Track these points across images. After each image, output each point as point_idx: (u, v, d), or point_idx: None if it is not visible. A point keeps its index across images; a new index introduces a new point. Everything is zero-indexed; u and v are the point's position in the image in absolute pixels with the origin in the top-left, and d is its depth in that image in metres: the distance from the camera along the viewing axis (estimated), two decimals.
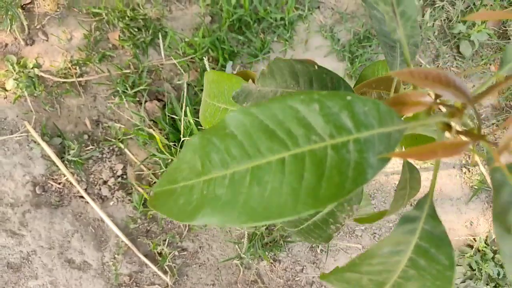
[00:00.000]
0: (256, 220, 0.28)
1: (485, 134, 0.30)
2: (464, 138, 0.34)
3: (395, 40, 0.39)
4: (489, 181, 1.30)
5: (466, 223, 1.29)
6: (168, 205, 0.30)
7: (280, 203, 0.27)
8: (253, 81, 0.48)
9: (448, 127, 0.35)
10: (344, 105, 0.29)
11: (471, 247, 1.27)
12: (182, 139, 1.17)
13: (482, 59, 1.38)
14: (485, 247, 1.27)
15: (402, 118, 0.39)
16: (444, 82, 0.29)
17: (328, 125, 0.28)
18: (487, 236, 1.29)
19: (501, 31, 1.42)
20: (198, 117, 1.16)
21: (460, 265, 1.24)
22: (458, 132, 0.32)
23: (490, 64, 1.39)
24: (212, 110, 0.51)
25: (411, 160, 0.49)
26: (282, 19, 1.41)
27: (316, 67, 0.46)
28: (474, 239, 1.27)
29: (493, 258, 1.25)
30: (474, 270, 1.23)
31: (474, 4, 1.40)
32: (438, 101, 0.34)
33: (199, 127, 1.21)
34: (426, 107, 0.32)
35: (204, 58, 1.29)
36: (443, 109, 0.36)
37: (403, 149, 0.65)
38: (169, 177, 0.30)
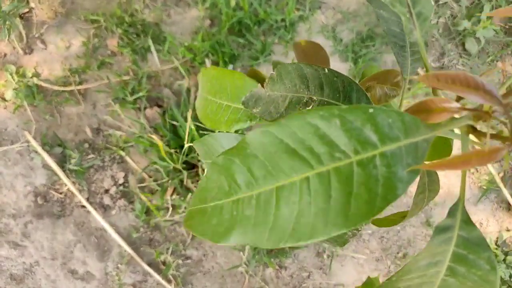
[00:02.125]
0: (287, 242, 0.27)
1: None
2: (494, 141, 0.31)
3: (408, 40, 0.37)
4: (498, 180, 1.27)
5: (476, 224, 1.26)
6: (202, 226, 0.30)
7: (309, 223, 0.27)
8: (262, 85, 0.46)
9: (473, 129, 0.33)
10: (367, 118, 0.27)
11: None
12: (187, 144, 1.15)
13: (489, 56, 1.35)
14: (496, 248, 1.24)
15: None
16: (472, 86, 0.27)
17: (352, 140, 0.27)
18: (497, 238, 1.26)
19: (507, 27, 1.38)
20: (199, 122, 1.14)
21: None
22: (490, 136, 0.30)
23: (497, 61, 1.36)
24: (214, 107, 0.50)
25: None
26: (283, 20, 1.38)
27: (326, 70, 0.43)
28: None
29: (504, 260, 1.22)
30: None
31: (479, 0, 1.37)
32: (460, 105, 0.31)
33: (200, 131, 1.19)
34: (453, 114, 0.30)
35: (206, 60, 1.27)
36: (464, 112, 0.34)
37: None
38: (200, 196, 0.30)
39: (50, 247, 1.18)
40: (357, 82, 0.58)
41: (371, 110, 0.27)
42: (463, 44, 1.36)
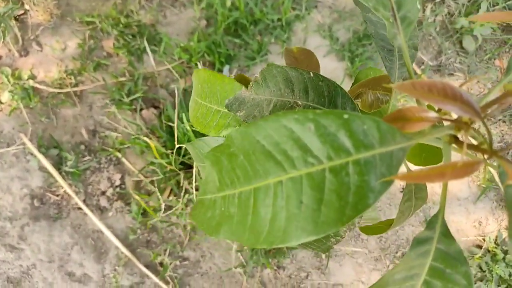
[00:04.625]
0: (263, 244, 0.27)
1: (497, 150, 0.28)
2: (473, 152, 0.31)
3: (393, 44, 0.36)
4: (497, 179, 1.26)
5: (475, 223, 1.25)
6: (201, 217, 0.30)
7: (281, 227, 0.26)
8: (247, 88, 0.46)
9: (455, 139, 0.32)
10: (341, 124, 0.27)
11: (480, 247, 1.23)
12: (177, 146, 1.15)
13: (486, 54, 1.35)
14: (495, 247, 1.23)
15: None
16: (450, 96, 0.27)
17: (325, 146, 0.27)
18: (496, 236, 1.25)
19: (505, 25, 1.38)
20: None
21: (470, 267, 1.20)
22: (468, 147, 0.30)
23: (495, 59, 1.35)
24: (204, 111, 0.49)
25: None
26: (279, 20, 1.38)
27: (311, 74, 0.43)
28: (483, 239, 1.24)
29: (504, 258, 1.22)
30: (485, 271, 1.20)
31: None
32: (441, 114, 0.31)
33: (197, 133, 1.18)
34: (431, 123, 0.30)
35: (198, 63, 1.27)
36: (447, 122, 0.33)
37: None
38: (203, 187, 0.31)
39: (47, 250, 1.18)
40: (352, 83, 0.57)
41: (346, 116, 0.26)
42: (460, 42, 1.36)
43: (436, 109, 0.32)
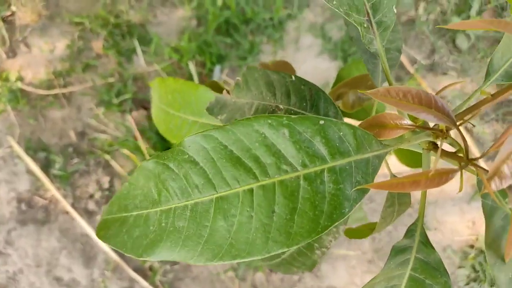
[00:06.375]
0: (222, 259, 0.25)
1: (473, 158, 0.26)
2: (451, 159, 0.30)
3: (369, 49, 0.35)
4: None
5: (468, 223, 1.24)
6: (121, 237, 0.27)
7: (248, 240, 0.25)
8: (228, 92, 0.44)
9: (434, 146, 0.31)
10: (317, 130, 0.26)
11: (474, 247, 1.22)
12: (167, 147, 1.13)
13: (479, 52, 1.34)
14: None
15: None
16: (425, 103, 0.26)
17: (300, 152, 0.25)
18: None
19: None
20: None
21: (463, 267, 1.19)
22: (443, 154, 0.28)
23: (488, 57, 1.34)
24: (178, 123, 0.47)
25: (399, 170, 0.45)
26: (271, 19, 1.36)
27: (293, 77, 0.41)
28: (477, 239, 1.22)
29: None
30: (478, 271, 1.18)
31: None
32: (419, 122, 0.29)
33: None
34: (406, 131, 0.28)
35: (189, 62, 1.25)
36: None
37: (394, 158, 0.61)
38: (119, 204, 0.27)
39: (34, 254, 1.15)
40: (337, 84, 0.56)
41: (321, 122, 0.25)
42: (453, 41, 1.35)
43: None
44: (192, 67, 1.24)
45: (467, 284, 1.18)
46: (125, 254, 0.26)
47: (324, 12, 1.40)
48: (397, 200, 0.37)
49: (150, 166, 0.26)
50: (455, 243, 1.22)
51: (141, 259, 0.25)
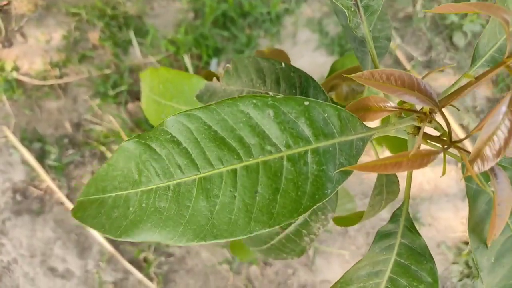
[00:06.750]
0: (204, 239, 0.25)
1: (457, 140, 0.26)
2: (435, 144, 0.30)
3: (357, 34, 0.35)
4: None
5: (463, 219, 1.25)
6: (99, 218, 0.26)
7: (231, 220, 0.25)
8: (218, 80, 0.44)
9: (419, 131, 0.31)
10: (302, 111, 0.26)
11: (468, 244, 1.23)
12: None
13: None
14: None
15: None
16: (407, 85, 0.26)
17: (284, 133, 0.25)
18: None
19: None
20: None
21: (456, 263, 1.20)
22: (428, 138, 0.28)
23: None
24: (171, 112, 0.47)
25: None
26: (268, 13, 1.36)
27: (283, 65, 0.42)
28: None
29: None
30: (471, 267, 1.19)
31: None
32: (406, 105, 0.30)
33: None
34: (390, 113, 0.29)
35: (184, 55, 1.25)
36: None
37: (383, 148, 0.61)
38: (97, 185, 0.27)
39: (29, 245, 1.15)
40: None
41: (306, 103, 0.25)
42: (450, 38, 1.35)
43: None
44: (187, 60, 1.24)
45: (460, 280, 1.18)
46: (103, 235, 0.25)
47: (321, 7, 1.39)
48: (386, 189, 0.37)
49: (131, 146, 0.26)
50: (449, 239, 1.23)
51: (120, 239, 0.25)
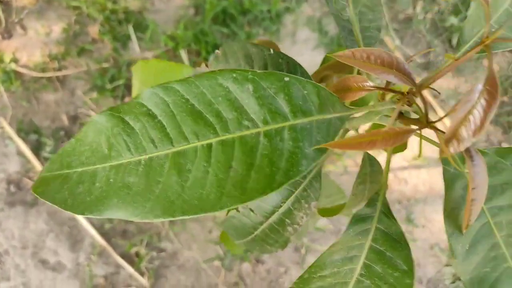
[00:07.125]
0: (172, 214, 0.24)
1: (434, 121, 0.26)
2: (413, 126, 0.29)
3: (343, 17, 0.35)
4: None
5: None
6: (61, 194, 0.25)
7: (202, 195, 0.24)
8: (206, 65, 0.44)
9: (400, 115, 0.31)
10: (281, 87, 0.25)
11: None
12: None
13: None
14: None
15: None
16: (386, 64, 0.26)
17: (262, 109, 0.25)
18: None
19: None
20: None
21: (449, 265, 1.19)
22: (404, 120, 0.28)
23: (483, 58, 1.34)
24: None
25: (371, 152, 0.45)
26: (268, 11, 1.36)
27: (271, 51, 0.41)
28: None
29: None
30: None
31: None
32: (373, 83, 0.29)
33: None
34: (369, 92, 0.28)
35: (182, 51, 1.25)
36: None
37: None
38: (62, 160, 0.26)
39: (21, 236, 1.15)
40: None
41: (286, 79, 0.25)
42: (449, 41, 1.35)
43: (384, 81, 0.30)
44: (184, 55, 1.24)
45: (453, 282, 1.17)
46: (64, 210, 0.25)
47: (322, 6, 1.39)
48: (369, 178, 0.37)
49: (102, 119, 0.25)
50: (442, 241, 1.22)
51: (82, 216, 0.24)
